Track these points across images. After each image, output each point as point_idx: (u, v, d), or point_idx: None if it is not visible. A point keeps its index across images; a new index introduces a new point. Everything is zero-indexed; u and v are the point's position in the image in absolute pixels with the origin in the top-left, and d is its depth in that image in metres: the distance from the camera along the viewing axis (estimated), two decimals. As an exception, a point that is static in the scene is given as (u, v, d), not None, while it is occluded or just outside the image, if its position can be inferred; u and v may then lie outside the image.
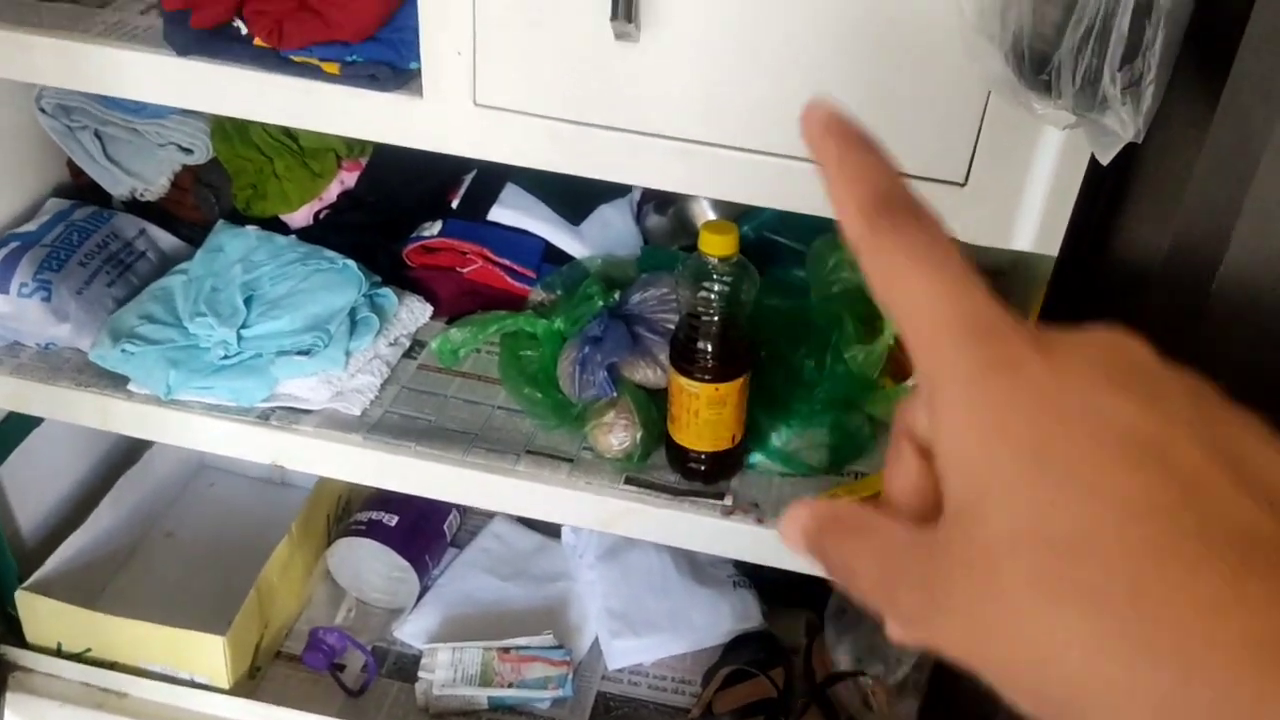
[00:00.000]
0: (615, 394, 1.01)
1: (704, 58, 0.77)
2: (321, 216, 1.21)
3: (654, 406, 1.02)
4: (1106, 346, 0.26)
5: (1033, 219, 0.79)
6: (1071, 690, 0.23)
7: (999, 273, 1.06)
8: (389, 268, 1.18)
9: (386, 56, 0.82)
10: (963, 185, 0.78)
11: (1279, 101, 0.46)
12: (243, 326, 1.06)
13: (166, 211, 1.23)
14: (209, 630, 1.20)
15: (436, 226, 1.21)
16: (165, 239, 1.21)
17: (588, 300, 1.08)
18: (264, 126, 1.16)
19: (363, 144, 1.21)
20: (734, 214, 1.15)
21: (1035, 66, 0.61)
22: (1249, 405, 0.25)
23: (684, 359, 0.96)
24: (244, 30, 0.82)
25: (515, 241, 1.21)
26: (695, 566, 1.38)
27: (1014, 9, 0.63)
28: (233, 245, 1.13)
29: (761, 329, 1.01)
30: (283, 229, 1.20)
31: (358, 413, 1.05)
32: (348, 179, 1.22)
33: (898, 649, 1.26)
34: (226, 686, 1.24)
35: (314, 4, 0.79)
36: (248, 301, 1.08)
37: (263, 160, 1.17)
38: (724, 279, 0.93)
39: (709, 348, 0.94)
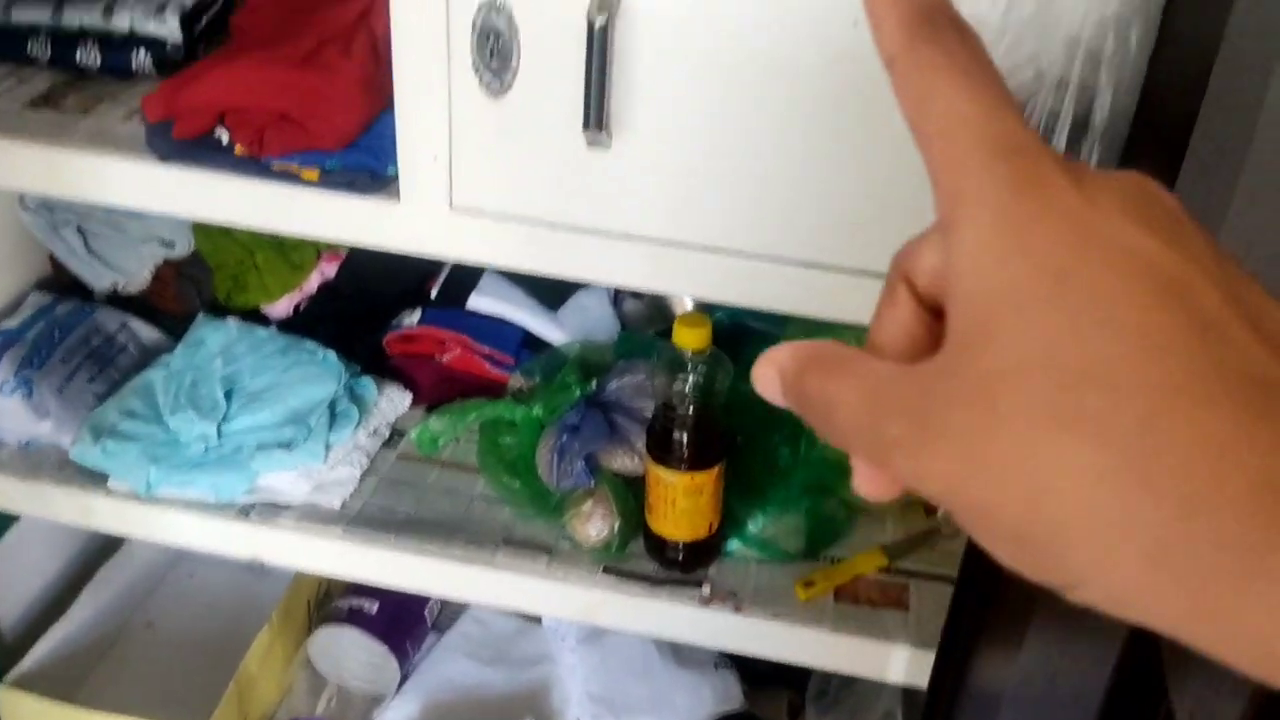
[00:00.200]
0: (593, 484, 1.03)
1: (674, 162, 0.79)
2: (302, 307, 1.23)
3: (632, 495, 1.03)
4: (1137, 186, 0.25)
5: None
6: (1060, 526, 0.23)
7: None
8: (369, 357, 1.20)
9: (365, 163, 0.84)
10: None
11: (1219, 215, 0.49)
12: (223, 420, 1.07)
13: (148, 303, 1.24)
14: (188, 724, 1.19)
15: (416, 315, 1.23)
16: (147, 331, 1.22)
17: (565, 389, 1.10)
18: (245, 221, 1.18)
19: (342, 236, 1.23)
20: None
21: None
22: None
23: (660, 449, 0.97)
24: (225, 139, 0.84)
25: (494, 329, 1.23)
26: (676, 648, 1.38)
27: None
28: (213, 338, 1.14)
29: (736, 416, 1.03)
30: (263, 320, 1.22)
31: (337, 505, 1.06)
32: (328, 270, 1.23)
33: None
34: (206, 780, 1.22)
35: (295, 115, 0.81)
36: (228, 395, 1.09)
37: (243, 253, 1.19)
38: (698, 371, 0.95)
39: (684, 438, 0.96)
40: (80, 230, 1.19)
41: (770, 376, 0.29)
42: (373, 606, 1.34)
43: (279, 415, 1.07)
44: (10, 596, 1.31)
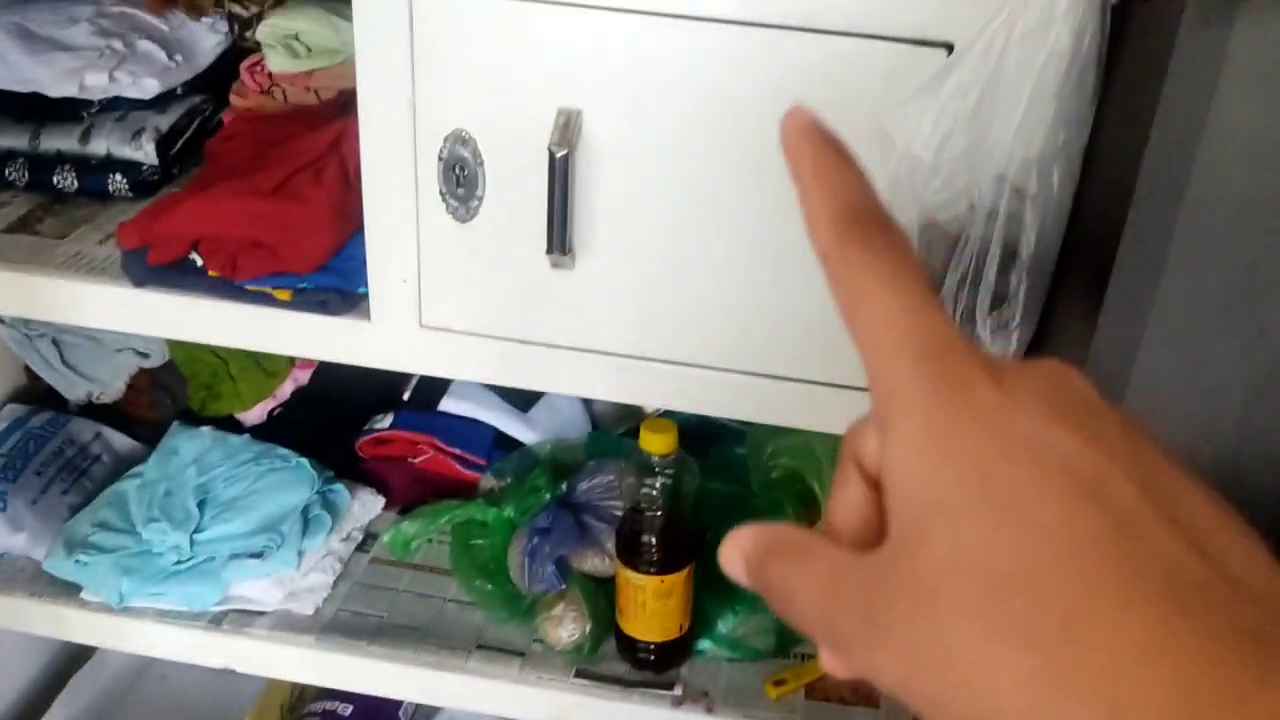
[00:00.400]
0: (564, 586, 1.04)
1: (634, 280, 0.83)
2: (276, 413, 1.25)
3: (603, 597, 1.04)
4: (1053, 378, 0.26)
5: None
6: None
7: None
8: (342, 460, 1.21)
9: (336, 284, 0.87)
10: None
11: (1134, 350, 0.52)
12: (196, 530, 1.08)
13: (122, 412, 1.26)
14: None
15: (388, 419, 1.25)
16: (121, 441, 1.23)
17: (536, 491, 1.12)
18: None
19: (315, 342, 1.25)
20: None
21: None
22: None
23: (629, 552, 0.99)
24: (199, 263, 0.87)
25: (466, 430, 1.25)
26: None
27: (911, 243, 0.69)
28: (187, 447, 1.16)
29: (705, 514, 1.05)
30: (238, 425, 1.24)
31: (310, 613, 1.07)
32: (301, 376, 1.25)
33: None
34: None
35: (268, 241, 0.84)
36: (201, 504, 1.10)
37: (218, 362, 1.21)
38: (665, 474, 0.97)
39: (653, 541, 0.98)
40: (55, 342, 1.20)
41: (735, 559, 0.30)
42: (346, 710, 1.33)
43: (252, 523, 1.08)
44: (-19, 708, 1.30)
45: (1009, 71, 0.59)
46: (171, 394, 1.23)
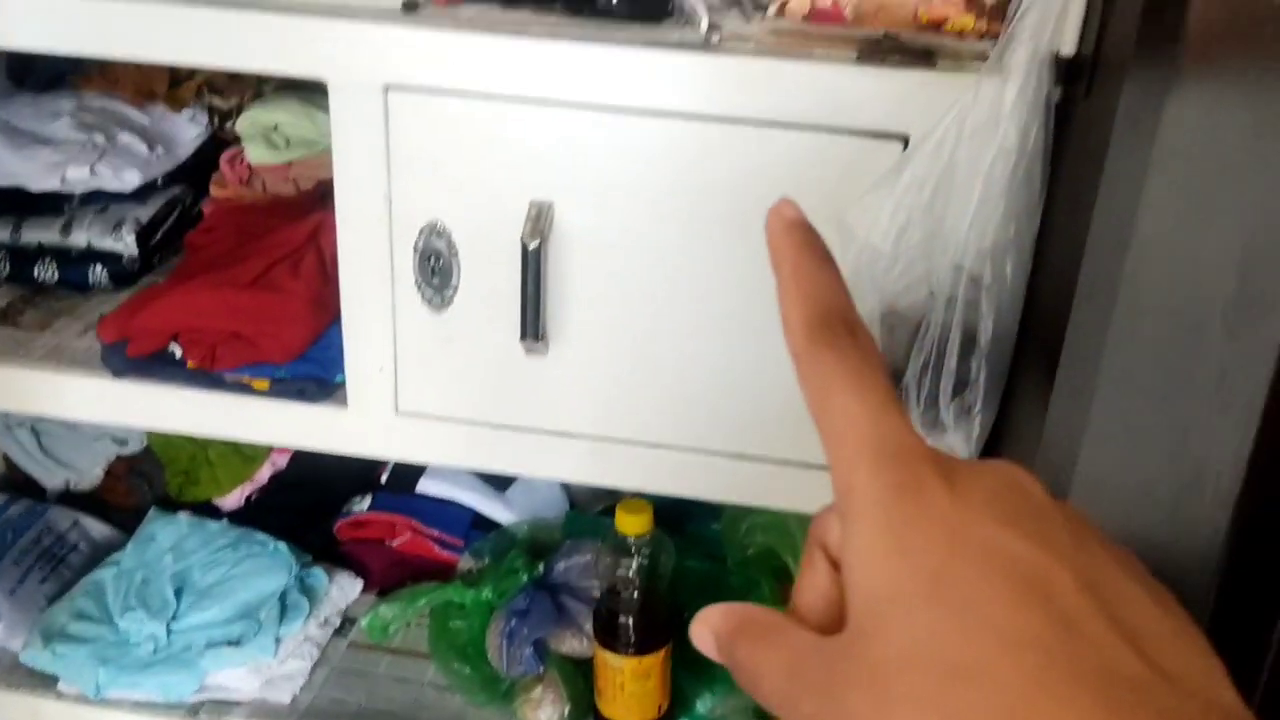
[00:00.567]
0: (542, 669, 1.04)
1: (607, 365, 0.84)
2: (254, 498, 1.25)
3: (582, 678, 1.04)
4: (1004, 479, 0.28)
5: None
6: None
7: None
8: (320, 544, 1.22)
9: (313, 373, 0.88)
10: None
11: (1077, 444, 0.54)
12: (173, 619, 1.07)
13: (100, 499, 1.26)
14: None
15: (366, 501, 1.25)
16: (98, 529, 1.23)
17: (513, 573, 1.12)
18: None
19: (294, 425, 1.26)
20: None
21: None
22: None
23: (607, 633, 0.99)
24: (178, 354, 0.88)
25: (443, 512, 1.25)
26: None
27: (873, 329, 0.71)
28: (164, 534, 1.16)
29: (682, 592, 1.05)
30: (215, 510, 1.24)
31: (287, 700, 1.06)
32: (279, 461, 1.26)
33: None
34: None
35: (246, 333, 0.85)
36: (178, 592, 1.10)
37: (195, 448, 1.21)
38: (641, 554, 0.98)
39: (630, 622, 0.98)
40: (34, 430, 1.21)
41: (705, 637, 0.31)
42: (325, 797, 1.32)
43: (229, 611, 1.08)
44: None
45: (961, 166, 0.62)
46: (149, 480, 1.24)
